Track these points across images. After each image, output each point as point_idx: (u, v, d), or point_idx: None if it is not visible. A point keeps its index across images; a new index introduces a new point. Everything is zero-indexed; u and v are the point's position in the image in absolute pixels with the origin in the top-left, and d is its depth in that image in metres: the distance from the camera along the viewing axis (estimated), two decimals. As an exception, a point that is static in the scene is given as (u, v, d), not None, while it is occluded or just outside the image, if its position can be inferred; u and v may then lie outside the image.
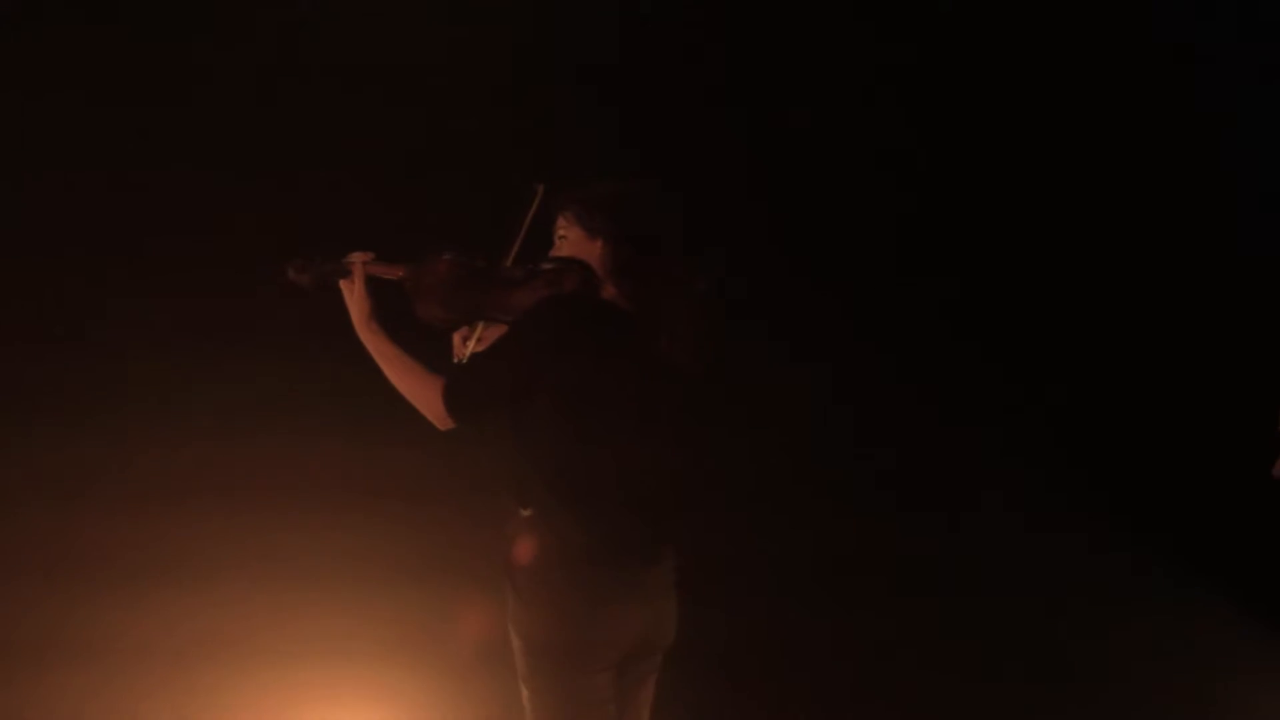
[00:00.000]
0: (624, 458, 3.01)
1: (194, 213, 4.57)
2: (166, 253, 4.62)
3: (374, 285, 3.18)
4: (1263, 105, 5.12)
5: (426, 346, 3.19)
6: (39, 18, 4.66)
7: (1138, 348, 5.12)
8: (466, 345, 3.18)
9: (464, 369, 3.10)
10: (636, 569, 3.05)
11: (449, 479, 4.36)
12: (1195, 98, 5.05)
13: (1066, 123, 5.09)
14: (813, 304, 4.89)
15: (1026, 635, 5.01)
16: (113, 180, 4.57)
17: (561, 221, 3.11)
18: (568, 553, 2.98)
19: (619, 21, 4.80)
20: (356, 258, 3.19)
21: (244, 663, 4.67)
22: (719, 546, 4.28)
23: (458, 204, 4.28)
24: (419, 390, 3.08)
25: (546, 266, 3.06)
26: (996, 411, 5.08)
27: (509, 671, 3.16)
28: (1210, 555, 5.04)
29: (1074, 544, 5.08)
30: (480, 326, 3.18)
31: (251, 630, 4.66)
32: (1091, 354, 5.14)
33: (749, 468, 4.64)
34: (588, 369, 2.97)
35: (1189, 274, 5.11)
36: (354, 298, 3.17)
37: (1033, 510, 5.11)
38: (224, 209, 4.53)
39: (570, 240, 3.09)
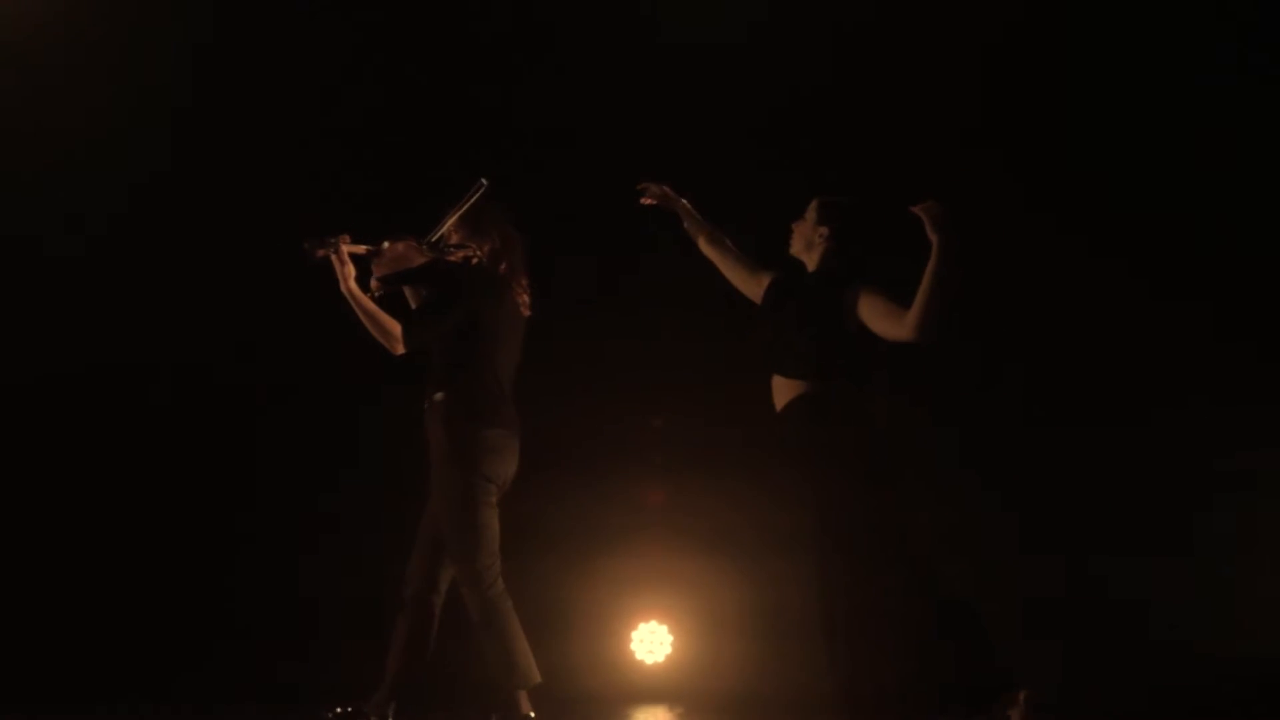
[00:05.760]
0: (507, 360, 4.97)
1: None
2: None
3: (353, 257, 4.87)
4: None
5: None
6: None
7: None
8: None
9: (415, 314, 4.93)
10: (514, 431, 4.94)
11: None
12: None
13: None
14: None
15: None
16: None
17: (452, 217, 4.92)
18: (477, 417, 4.83)
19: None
20: (341, 238, 4.85)
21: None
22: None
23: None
24: (383, 327, 4.94)
25: (464, 250, 4.91)
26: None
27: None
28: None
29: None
30: None
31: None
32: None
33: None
34: (491, 310, 4.89)
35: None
36: (342, 265, 4.87)
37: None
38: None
39: (462, 235, 4.96)
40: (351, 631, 6.07)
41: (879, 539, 4.34)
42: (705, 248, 4.98)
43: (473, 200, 4.91)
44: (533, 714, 4.75)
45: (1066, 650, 6.42)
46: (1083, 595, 6.54)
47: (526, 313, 5.01)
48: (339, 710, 4.80)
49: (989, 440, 6.64)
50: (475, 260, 4.90)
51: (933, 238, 4.23)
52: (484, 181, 4.91)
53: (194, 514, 6.73)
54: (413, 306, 4.99)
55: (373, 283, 4.88)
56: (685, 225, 5.04)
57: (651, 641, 6.86)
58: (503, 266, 4.92)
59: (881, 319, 4.38)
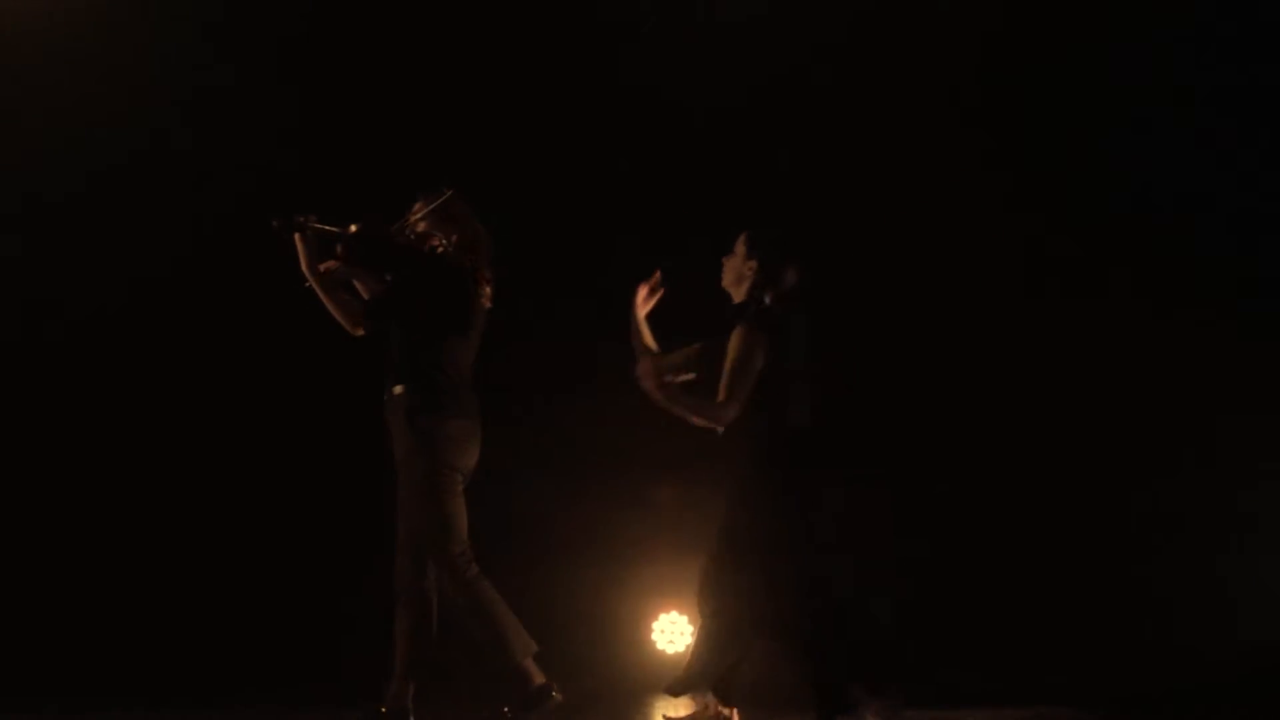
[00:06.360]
0: (469, 351, 4.92)
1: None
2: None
3: (321, 238, 4.88)
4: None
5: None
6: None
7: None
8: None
9: (379, 296, 4.91)
10: (476, 420, 4.89)
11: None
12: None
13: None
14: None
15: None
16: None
17: (420, 208, 4.93)
18: (439, 408, 4.79)
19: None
20: (309, 218, 4.87)
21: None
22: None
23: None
24: (345, 307, 4.96)
25: (431, 240, 4.91)
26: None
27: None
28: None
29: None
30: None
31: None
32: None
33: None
34: (452, 297, 4.84)
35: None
36: (307, 246, 4.89)
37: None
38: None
39: (429, 224, 4.93)
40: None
41: (804, 543, 4.62)
42: (655, 390, 4.90)
43: (439, 202, 4.92)
44: (545, 680, 4.72)
45: (1066, 650, 6.47)
46: (1082, 595, 6.58)
47: (488, 305, 4.98)
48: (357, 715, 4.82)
49: (985, 437, 6.69)
50: (441, 250, 4.91)
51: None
52: (448, 191, 4.93)
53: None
54: (364, 297, 4.98)
55: (329, 263, 4.90)
56: (634, 339, 5.01)
57: (671, 632, 7.03)
58: (468, 258, 4.91)
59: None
